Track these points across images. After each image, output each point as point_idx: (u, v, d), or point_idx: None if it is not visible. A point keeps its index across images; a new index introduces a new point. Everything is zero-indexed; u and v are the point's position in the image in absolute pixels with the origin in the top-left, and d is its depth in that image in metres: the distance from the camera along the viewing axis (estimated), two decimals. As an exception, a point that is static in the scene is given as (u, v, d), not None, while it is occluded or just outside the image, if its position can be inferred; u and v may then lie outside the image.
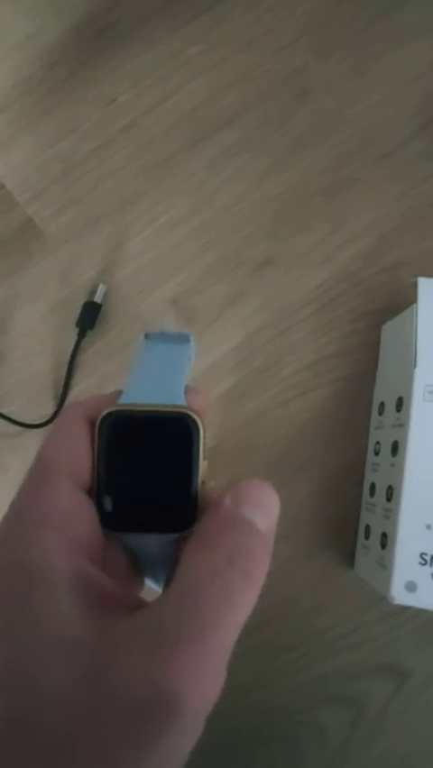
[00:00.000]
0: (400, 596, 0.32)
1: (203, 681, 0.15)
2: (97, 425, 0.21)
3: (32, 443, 0.43)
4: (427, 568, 0.33)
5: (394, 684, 0.40)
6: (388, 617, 0.40)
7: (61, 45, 0.47)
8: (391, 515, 0.35)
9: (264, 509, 0.19)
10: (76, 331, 0.43)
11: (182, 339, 0.25)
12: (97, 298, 0.43)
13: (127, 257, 0.44)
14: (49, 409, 0.43)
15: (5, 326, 0.44)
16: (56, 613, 0.16)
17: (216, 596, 0.16)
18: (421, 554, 0.33)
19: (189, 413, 0.21)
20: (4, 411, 0.42)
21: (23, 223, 0.45)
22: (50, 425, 0.43)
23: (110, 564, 0.20)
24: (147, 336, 0.26)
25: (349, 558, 0.41)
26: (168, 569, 0.21)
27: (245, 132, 0.46)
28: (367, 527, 0.39)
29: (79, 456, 0.20)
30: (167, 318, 0.25)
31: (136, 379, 0.23)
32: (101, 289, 0.43)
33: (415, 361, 0.35)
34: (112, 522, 0.20)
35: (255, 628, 0.41)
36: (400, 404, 0.36)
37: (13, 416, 0.42)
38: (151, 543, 0.21)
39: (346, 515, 0.41)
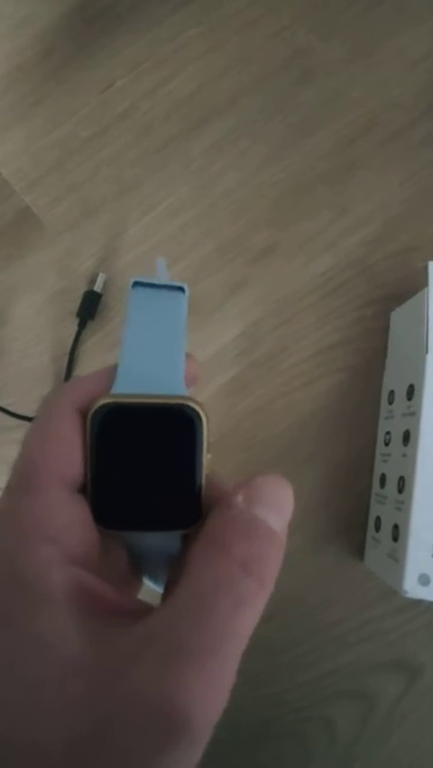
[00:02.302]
0: (413, 589, 0.31)
1: (216, 692, 0.14)
2: (89, 418, 0.19)
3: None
4: (441, 560, 0.32)
5: (406, 680, 0.39)
6: (399, 611, 0.39)
7: (56, 31, 0.46)
8: (403, 506, 0.34)
9: (279, 508, 0.17)
10: (76, 321, 0.42)
11: (176, 290, 0.22)
12: (97, 288, 0.42)
13: (127, 245, 0.43)
14: (48, 402, 0.42)
15: (4, 317, 0.43)
16: (53, 630, 0.15)
17: (231, 605, 0.15)
18: (435, 546, 0.32)
19: (191, 403, 0.19)
20: (3, 403, 0.41)
21: (20, 211, 0.44)
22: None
23: (107, 566, 0.19)
24: (136, 284, 0.22)
25: (358, 551, 0.40)
26: (169, 567, 0.20)
27: (245, 116, 0.44)
28: (378, 519, 0.38)
29: (70, 454, 0.18)
30: (158, 262, 0.22)
31: (130, 349, 0.20)
32: (101, 278, 0.42)
33: (427, 346, 0.34)
34: (109, 521, 0.19)
35: (263, 622, 0.39)
36: (412, 392, 0.35)
37: (12, 409, 0.41)
38: (151, 541, 0.20)
39: (354, 507, 0.40)
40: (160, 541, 0.20)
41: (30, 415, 0.41)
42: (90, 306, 0.42)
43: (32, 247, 0.43)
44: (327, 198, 0.43)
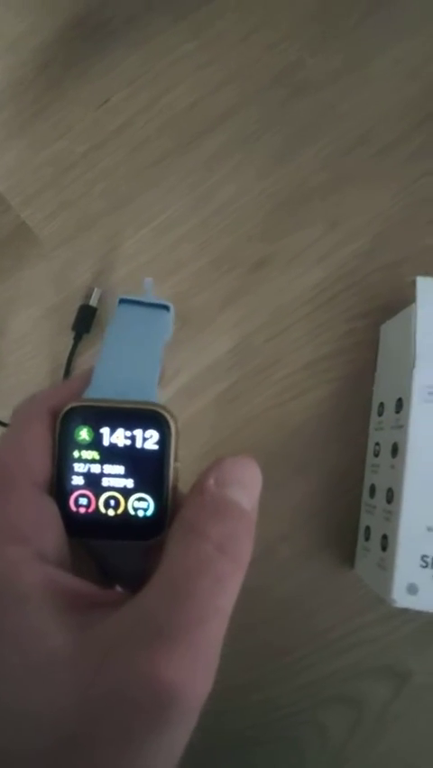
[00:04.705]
0: (401, 598, 0.32)
1: (199, 671, 0.15)
2: (58, 421, 0.19)
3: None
4: (428, 570, 0.32)
5: (395, 685, 0.40)
6: (388, 618, 0.40)
7: (53, 45, 0.46)
8: (391, 517, 0.34)
9: (248, 488, 0.18)
10: (72, 334, 0.43)
11: (160, 308, 0.23)
12: (93, 302, 0.43)
13: (122, 259, 0.44)
14: (45, 414, 0.43)
15: (0, 330, 0.43)
16: (31, 629, 0.15)
17: (210, 584, 0.16)
18: (423, 557, 0.33)
19: (160, 410, 0.19)
20: (0, 416, 0.42)
21: (16, 226, 0.44)
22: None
23: (81, 563, 0.19)
24: (122, 301, 0.23)
25: (349, 559, 0.41)
26: (138, 576, 0.19)
27: (239, 130, 0.45)
28: (367, 529, 0.39)
29: (41, 456, 0.19)
30: (146, 282, 0.25)
31: (106, 358, 0.21)
32: (96, 293, 0.43)
33: (414, 361, 0.35)
34: (76, 528, 0.19)
35: (255, 629, 0.41)
36: (400, 405, 0.36)
37: (8, 422, 0.42)
38: (118, 550, 0.20)
39: (345, 515, 0.41)
40: (127, 550, 0.20)
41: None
42: (85, 320, 0.42)
43: (29, 261, 0.44)
44: (320, 211, 0.44)
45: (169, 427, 0.19)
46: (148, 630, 0.15)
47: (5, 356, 0.43)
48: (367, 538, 0.38)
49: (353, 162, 0.45)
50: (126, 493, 0.19)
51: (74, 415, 0.19)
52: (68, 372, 0.42)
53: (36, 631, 0.15)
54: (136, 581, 0.18)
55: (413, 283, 0.36)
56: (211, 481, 0.18)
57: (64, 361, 0.42)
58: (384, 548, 0.35)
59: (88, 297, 0.43)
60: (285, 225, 0.44)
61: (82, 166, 0.45)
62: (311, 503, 0.41)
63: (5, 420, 0.42)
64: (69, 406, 0.19)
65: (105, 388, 0.20)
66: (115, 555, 0.20)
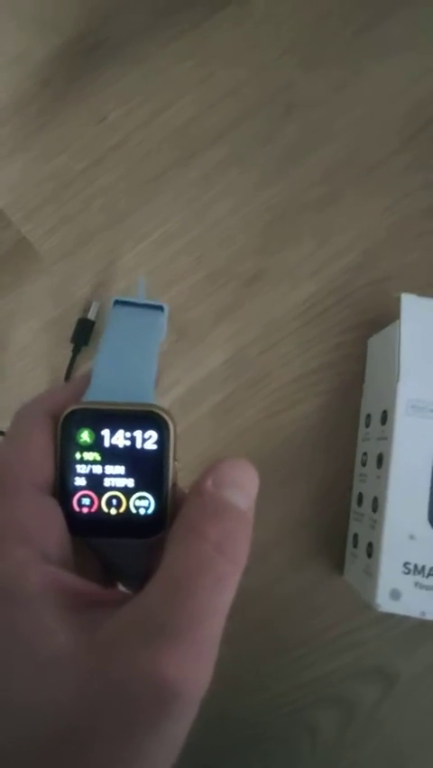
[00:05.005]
0: (384, 603, 0.34)
1: (200, 668, 0.16)
2: (59, 424, 0.19)
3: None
4: (410, 576, 0.34)
5: (384, 686, 0.41)
6: (377, 623, 0.41)
7: (52, 63, 0.48)
8: (376, 525, 0.36)
9: (245, 489, 0.19)
10: (71, 347, 0.44)
11: (155, 308, 0.24)
12: (91, 315, 0.44)
13: (120, 273, 0.46)
14: (45, 423, 0.44)
15: (1, 343, 0.45)
16: (37, 627, 0.16)
17: (209, 584, 0.16)
18: (405, 563, 0.34)
19: (159, 411, 0.20)
20: (1, 427, 0.44)
21: (16, 241, 0.46)
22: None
23: (85, 563, 0.20)
24: (117, 303, 0.24)
25: (339, 564, 0.42)
26: (140, 574, 0.20)
27: (234, 146, 0.46)
28: (355, 536, 0.40)
29: (43, 459, 0.19)
30: (140, 282, 0.26)
31: (103, 361, 0.21)
32: (94, 306, 0.44)
33: (398, 375, 0.36)
34: (79, 527, 0.19)
35: (250, 633, 0.42)
36: (385, 417, 0.37)
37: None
38: (120, 548, 0.20)
39: (335, 524, 0.42)
40: (129, 548, 0.20)
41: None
42: (84, 333, 0.44)
43: (29, 276, 0.45)
44: (312, 227, 0.45)
45: (167, 428, 0.20)
46: (150, 628, 0.15)
47: (6, 368, 0.45)
48: (355, 545, 0.40)
49: (346, 177, 0.46)
50: (128, 492, 0.19)
51: (75, 417, 0.19)
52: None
53: (42, 630, 0.16)
54: (138, 580, 0.18)
55: (398, 299, 0.37)
56: (209, 483, 0.18)
57: (64, 372, 0.44)
58: (370, 555, 0.36)
59: (87, 310, 0.44)
60: (279, 240, 0.45)
61: (81, 181, 0.46)
62: (301, 512, 0.43)
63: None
64: (69, 409, 0.19)
65: (105, 389, 0.20)
66: (117, 554, 0.21)
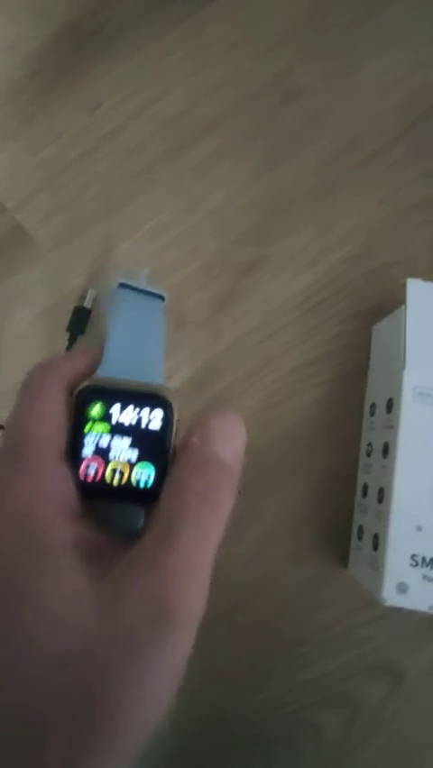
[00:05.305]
0: (391, 597, 0.33)
1: (191, 596, 0.18)
2: (75, 397, 0.22)
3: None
4: (418, 569, 0.33)
5: (390, 684, 0.40)
6: (383, 618, 0.40)
7: (45, 52, 0.47)
8: (382, 516, 0.35)
9: (231, 442, 0.20)
10: (66, 336, 0.43)
11: (156, 296, 0.26)
12: (87, 303, 0.43)
13: (116, 261, 0.44)
14: (39, 416, 0.43)
15: (-5, 333, 0.44)
16: (62, 572, 0.19)
17: (195, 531, 0.19)
18: (412, 556, 0.33)
19: (164, 393, 0.22)
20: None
21: (11, 229, 0.45)
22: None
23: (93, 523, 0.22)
24: (121, 285, 0.26)
25: (343, 558, 0.41)
26: (138, 530, 0.22)
27: (230, 136, 0.46)
28: (360, 528, 0.39)
29: (59, 428, 0.21)
30: (142, 273, 0.28)
31: (115, 339, 0.23)
32: (90, 294, 0.43)
33: (404, 362, 0.35)
34: (85, 491, 0.21)
35: (252, 630, 0.41)
36: (391, 405, 0.36)
37: (5, 423, 0.42)
38: (120, 515, 0.22)
39: (340, 515, 0.41)
40: (127, 514, 0.22)
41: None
42: (80, 321, 0.43)
43: (24, 264, 0.44)
44: (310, 216, 0.45)
45: (171, 408, 0.22)
46: (148, 564, 0.18)
47: (1, 357, 0.43)
48: (360, 537, 0.39)
49: (342, 168, 0.45)
50: (131, 464, 0.22)
51: (89, 392, 0.22)
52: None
53: (66, 574, 0.18)
54: (136, 534, 0.21)
55: (404, 285, 0.37)
56: (195, 439, 0.20)
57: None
58: (375, 547, 0.35)
59: (83, 298, 0.43)
60: (275, 230, 0.45)
61: (75, 170, 0.45)
62: (304, 504, 0.42)
63: (2, 422, 0.42)
64: (84, 384, 0.22)
65: (116, 368, 0.23)
66: (118, 514, 0.22)
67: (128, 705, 0.17)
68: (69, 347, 0.43)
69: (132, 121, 0.46)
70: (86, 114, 0.46)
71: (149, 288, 0.27)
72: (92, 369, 0.22)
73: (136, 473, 0.21)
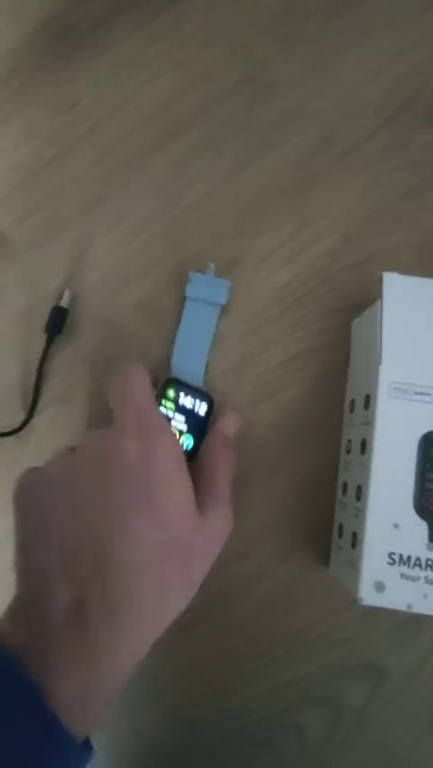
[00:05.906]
0: (368, 596, 0.32)
1: (219, 514, 0.34)
2: (159, 386, 0.40)
3: (1, 452, 0.43)
4: (395, 567, 0.32)
5: (372, 684, 0.40)
6: (364, 617, 0.40)
7: (21, 50, 0.47)
8: (359, 514, 0.34)
9: (231, 427, 0.39)
10: (44, 337, 0.43)
11: (221, 286, 0.42)
12: (64, 303, 0.43)
13: (93, 261, 0.44)
14: (18, 417, 0.43)
15: (-29, 335, 0.43)
16: (181, 479, 0.33)
17: (221, 463, 0.37)
18: (390, 554, 0.32)
19: (209, 393, 0.40)
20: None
21: (-13, 229, 0.44)
22: (24, 431, 0.42)
23: None
24: (191, 280, 0.42)
25: (325, 558, 0.40)
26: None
27: (208, 131, 0.45)
28: (340, 526, 0.38)
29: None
30: (210, 266, 0.41)
31: (179, 350, 0.41)
32: (67, 294, 0.43)
33: (380, 357, 0.34)
34: None
35: (232, 631, 0.40)
36: (368, 401, 0.36)
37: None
38: None
39: (321, 515, 0.41)
40: None
41: (0, 430, 0.42)
42: (57, 322, 0.42)
43: (0, 265, 0.44)
44: (290, 211, 0.44)
45: (212, 404, 0.40)
46: (202, 483, 0.35)
47: (-24, 360, 0.43)
48: (340, 535, 0.38)
49: (321, 162, 0.45)
50: (181, 433, 0.39)
51: (169, 382, 0.40)
52: (40, 374, 0.42)
53: (181, 481, 0.33)
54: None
55: (380, 279, 0.36)
56: (218, 425, 0.39)
57: (37, 363, 0.42)
58: (354, 545, 0.35)
59: (60, 298, 0.43)
60: (255, 225, 0.44)
61: (52, 169, 0.45)
62: (287, 502, 0.41)
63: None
64: (167, 377, 0.40)
65: (178, 370, 0.41)
66: None
67: (202, 559, 0.33)
68: (47, 348, 0.42)
69: (108, 119, 0.46)
70: (63, 112, 0.46)
71: (214, 300, 0.42)
72: (151, 375, 0.36)
73: (183, 438, 0.39)
